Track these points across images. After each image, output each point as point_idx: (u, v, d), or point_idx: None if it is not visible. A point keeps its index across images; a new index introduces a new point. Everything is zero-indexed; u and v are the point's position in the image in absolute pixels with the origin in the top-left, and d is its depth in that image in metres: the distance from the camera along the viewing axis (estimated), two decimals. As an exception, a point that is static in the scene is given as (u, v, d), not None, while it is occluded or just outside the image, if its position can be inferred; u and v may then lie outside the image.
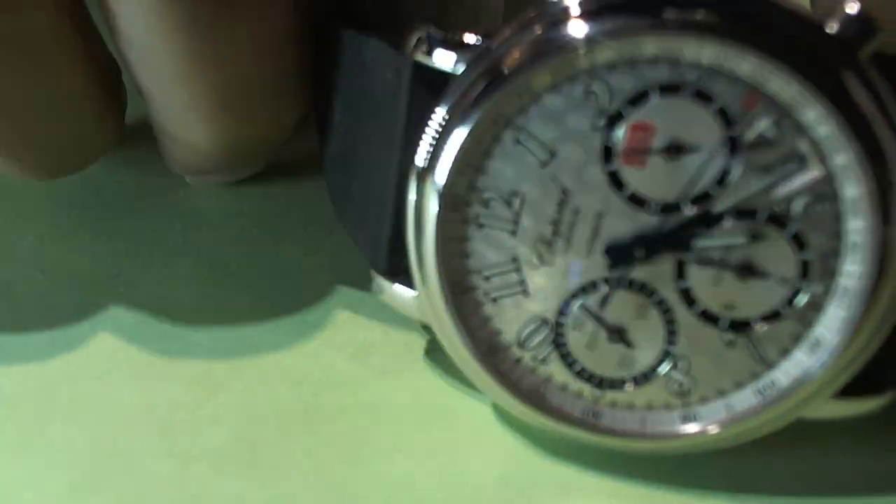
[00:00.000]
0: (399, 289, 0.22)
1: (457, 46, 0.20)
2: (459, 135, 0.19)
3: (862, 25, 0.18)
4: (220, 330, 0.24)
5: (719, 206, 0.19)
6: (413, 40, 0.20)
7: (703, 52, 0.18)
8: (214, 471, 0.21)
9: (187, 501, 0.20)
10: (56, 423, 0.22)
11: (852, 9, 0.18)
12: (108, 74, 0.23)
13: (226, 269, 0.27)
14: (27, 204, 0.29)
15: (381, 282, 0.22)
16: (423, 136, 0.20)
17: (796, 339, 0.19)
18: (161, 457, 0.21)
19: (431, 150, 0.20)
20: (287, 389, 0.23)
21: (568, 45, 0.18)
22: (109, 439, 0.22)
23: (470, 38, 0.20)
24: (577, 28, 0.18)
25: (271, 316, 0.25)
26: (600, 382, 0.20)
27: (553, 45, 0.18)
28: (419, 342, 0.24)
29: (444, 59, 0.20)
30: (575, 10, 0.18)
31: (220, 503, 0.21)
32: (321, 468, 0.21)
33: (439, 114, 0.19)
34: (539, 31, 0.19)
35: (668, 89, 0.18)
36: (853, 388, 0.20)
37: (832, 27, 0.18)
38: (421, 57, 0.20)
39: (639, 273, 0.20)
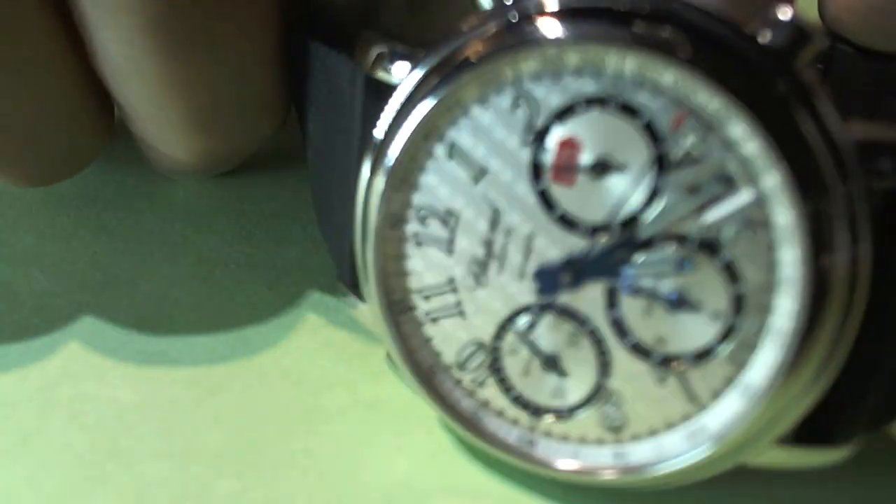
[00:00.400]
0: (355, 299, 0.22)
1: (412, 60, 0.20)
2: (394, 149, 0.19)
3: (796, 33, 0.16)
4: (220, 330, 0.25)
5: (648, 229, 0.17)
6: (372, 55, 0.20)
7: (625, 63, 0.17)
8: (214, 471, 0.21)
9: (187, 501, 0.21)
10: (56, 423, 0.23)
11: (785, 15, 0.16)
12: (97, 76, 0.24)
13: (226, 269, 0.27)
14: (27, 204, 0.30)
15: (345, 292, 0.22)
16: (367, 150, 0.20)
17: (728, 381, 0.17)
18: (161, 457, 0.22)
19: (372, 164, 0.19)
20: (287, 389, 0.23)
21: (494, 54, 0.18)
22: (109, 439, 0.22)
23: (418, 49, 0.20)
24: (533, 28, 0.17)
25: (271, 316, 0.25)
26: (536, 410, 0.19)
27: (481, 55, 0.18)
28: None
29: (399, 73, 0.20)
30: (510, 20, 0.18)
31: (219, 503, 0.21)
32: (321, 468, 0.21)
33: (380, 127, 0.19)
34: (472, 41, 0.18)
35: (595, 102, 0.17)
36: (805, 437, 0.18)
37: (764, 36, 0.16)
38: (377, 71, 0.20)
39: (570, 300, 0.18)
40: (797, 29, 0.16)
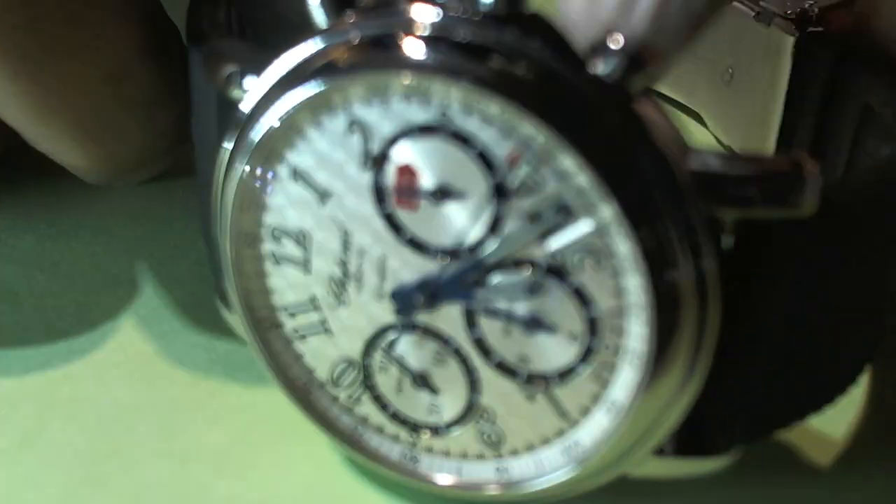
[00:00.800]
0: (226, 313, 0.25)
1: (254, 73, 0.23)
2: (237, 170, 0.22)
3: (626, 62, 0.19)
4: (220, 330, 0.29)
5: (494, 254, 0.21)
6: (224, 72, 0.23)
7: (450, 91, 0.20)
8: (214, 472, 0.25)
9: (187, 502, 0.25)
10: (56, 423, 0.27)
11: (616, 43, 0.19)
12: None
13: None
14: (27, 204, 0.34)
15: (220, 305, 0.26)
16: (217, 169, 0.23)
17: (595, 398, 0.21)
18: (160, 457, 0.26)
19: (223, 183, 0.23)
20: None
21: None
22: (109, 439, 0.26)
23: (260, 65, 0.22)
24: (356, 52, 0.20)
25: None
26: (414, 427, 0.24)
27: (303, 74, 0.21)
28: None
29: (242, 86, 0.23)
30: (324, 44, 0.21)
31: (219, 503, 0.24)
32: (320, 468, 0.25)
33: (227, 147, 0.22)
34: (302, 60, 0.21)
35: (427, 130, 0.20)
36: (683, 448, 0.22)
37: (595, 66, 0.19)
38: (229, 89, 0.23)
39: (430, 320, 0.22)
40: (628, 58, 0.19)
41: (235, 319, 0.25)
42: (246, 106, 0.21)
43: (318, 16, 0.21)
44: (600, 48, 0.19)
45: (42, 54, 0.24)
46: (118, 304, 0.30)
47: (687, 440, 0.21)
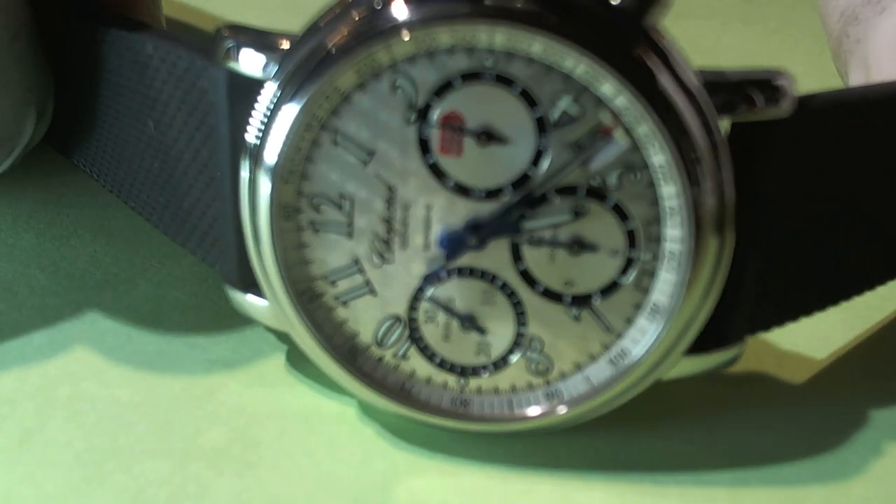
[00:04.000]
0: (252, 299, 0.28)
1: (267, 49, 0.26)
2: (275, 144, 0.25)
3: None
4: (220, 330, 0.31)
5: (539, 186, 0.25)
6: (223, 48, 0.26)
7: (494, 37, 0.24)
8: (214, 471, 0.26)
9: (186, 501, 0.25)
10: (55, 421, 0.28)
11: (632, -26, 0.23)
12: None
13: None
14: (27, 204, 0.36)
15: (234, 294, 0.28)
16: (244, 146, 0.26)
17: (637, 306, 0.25)
18: (160, 456, 0.27)
19: (251, 162, 0.26)
20: (286, 390, 0.29)
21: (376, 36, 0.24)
22: (108, 438, 0.27)
23: (282, 41, 0.26)
24: (399, 11, 0.23)
25: (270, 316, 0.30)
26: (462, 371, 0.27)
27: (358, 39, 0.24)
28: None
29: (253, 65, 0.26)
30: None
31: (218, 503, 0.26)
32: (320, 469, 0.26)
33: (254, 124, 0.25)
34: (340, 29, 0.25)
35: (470, 77, 0.24)
36: (702, 345, 0.26)
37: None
38: (233, 64, 0.26)
39: (477, 260, 0.25)
40: None
41: (259, 310, 0.27)
42: (274, 81, 0.24)
43: None
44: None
45: None
46: (118, 303, 0.32)
47: (704, 336, 0.25)
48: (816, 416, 0.28)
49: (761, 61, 0.48)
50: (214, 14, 0.51)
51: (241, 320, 0.31)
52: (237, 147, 0.26)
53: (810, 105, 0.24)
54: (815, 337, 0.30)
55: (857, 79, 0.36)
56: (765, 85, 0.23)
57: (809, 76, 0.45)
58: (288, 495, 0.25)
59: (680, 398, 0.28)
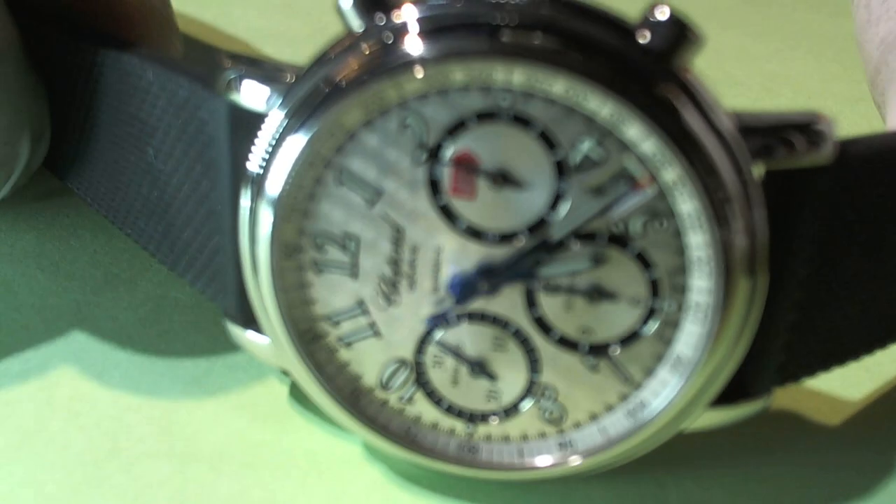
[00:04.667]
0: (252, 336, 0.26)
1: (271, 82, 0.24)
2: (277, 179, 0.24)
3: (675, 31, 0.22)
4: (220, 330, 0.30)
5: (557, 232, 0.23)
6: (225, 79, 0.24)
7: (512, 76, 0.22)
8: (214, 472, 0.26)
9: (186, 502, 0.25)
10: (55, 422, 0.27)
11: (663, 14, 0.22)
12: None
13: None
14: (27, 203, 0.35)
15: (234, 329, 0.27)
16: (244, 181, 0.24)
17: (658, 357, 0.24)
18: (160, 457, 0.27)
19: (252, 196, 0.24)
20: (286, 390, 0.28)
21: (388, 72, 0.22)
22: (108, 439, 0.27)
23: (287, 73, 0.24)
24: (412, 47, 0.22)
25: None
26: (471, 417, 0.25)
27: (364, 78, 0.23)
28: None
29: (256, 98, 0.24)
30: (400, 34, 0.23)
31: None
32: (321, 469, 0.26)
33: (256, 153, 0.24)
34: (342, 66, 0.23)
35: (485, 117, 0.23)
36: (727, 397, 0.24)
37: (644, 37, 0.22)
38: (235, 96, 0.24)
39: (489, 305, 0.24)
40: (676, 27, 0.22)
41: (258, 346, 0.26)
42: (278, 114, 0.23)
43: (352, 19, 0.22)
44: (647, 19, 0.21)
45: None
46: (118, 303, 0.31)
47: (730, 387, 0.24)
48: (848, 459, 0.27)
49: (761, 63, 0.47)
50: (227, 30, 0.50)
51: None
52: (238, 180, 0.24)
53: (851, 151, 0.23)
54: (851, 377, 0.29)
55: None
56: (805, 128, 0.22)
57: (811, 77, 0.44)
58: (287, 497, 0.25)
59: (704, 438, 0.26)
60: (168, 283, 0.32)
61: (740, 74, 0.47)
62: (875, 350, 0.26)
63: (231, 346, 0.29)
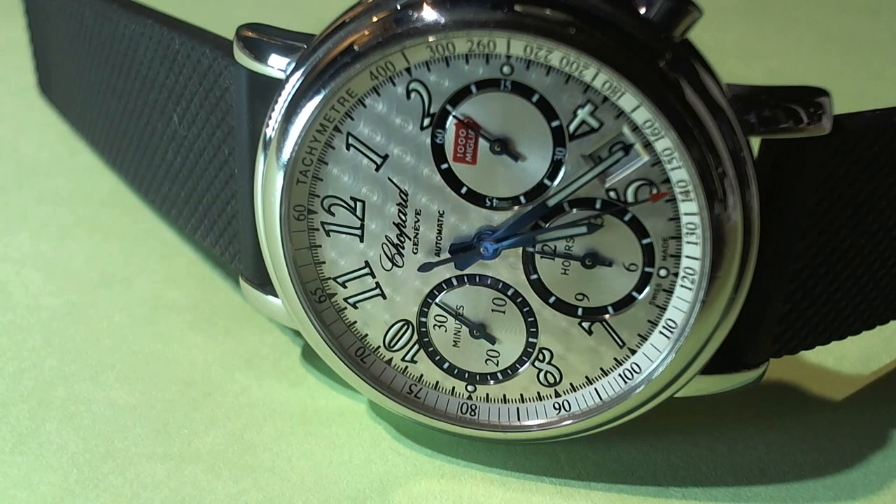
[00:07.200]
0: (267, 296, 0.28)
1: (287, 49, 0.26)
2: (289, 143, 0.25)
3: (674, 3, 0.23)
4: (219, 330, 0.31)
5: (554, 197, 0.24)
6: (244, 47, 0.26)
7: (512, 46, 0.23)
8: (211, 473, 0.27)
9: (183, 503, 0.26)
10: (50, 423, 0.28)
11: (660, -14, 0.23)
12: None
13: (224, 268, 0.33)
14: (23, 202, 0.36)
15: (250, 290, 0.28)
16: (260, 146, 0.26)
17: (651, 322, 0.25)
18: (156, 459, 0.27)
19: (266, 160, 0.25)
20: (285, 391, 0.29)
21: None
22: (104, 441, 0.27)
23: (301, 41, 0.25)
24: (418, 16, 0.23)
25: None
26: (471, 378, 0.27)
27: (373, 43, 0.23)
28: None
29: (273, 65, 0.26)
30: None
31: None
32: (319, 470, 0.27)
33: (270, 124, 0.25)
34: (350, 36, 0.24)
35: (486, 84, 0.24)
36: (721, 365, 0.25)
37: (644, 8, 0.23)
38: (253, 64, 0.26)
39: (489, 269, 0.25)
40: (675, 1, 0.23)
41: (271, 306, 0.27)
42: (293, 80, 0.24)
43: None
44: (647, -7, 0.22)
45: None
46: (113, 303, 0.32)
47: (723, 357, 0.25)
48: (844, 430, 0.28)
49: (765, 59, 0.47)
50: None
51: (237, 322, 0.31)
52: (254, 145, 0.26)
53: (847, 124, 0.24)
54: (862, 353, 0.30)
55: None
56: (807, 101, 0.23)
57: (814, 73, 0.44)
58: (285, 497, 0.26)
59: (702, 405, 0.27)
60: (164, 283, 0.32)
61: (743, 71, 0.47)
62: (874, 326, 0.27)
63: (228, 348, 0.30)
